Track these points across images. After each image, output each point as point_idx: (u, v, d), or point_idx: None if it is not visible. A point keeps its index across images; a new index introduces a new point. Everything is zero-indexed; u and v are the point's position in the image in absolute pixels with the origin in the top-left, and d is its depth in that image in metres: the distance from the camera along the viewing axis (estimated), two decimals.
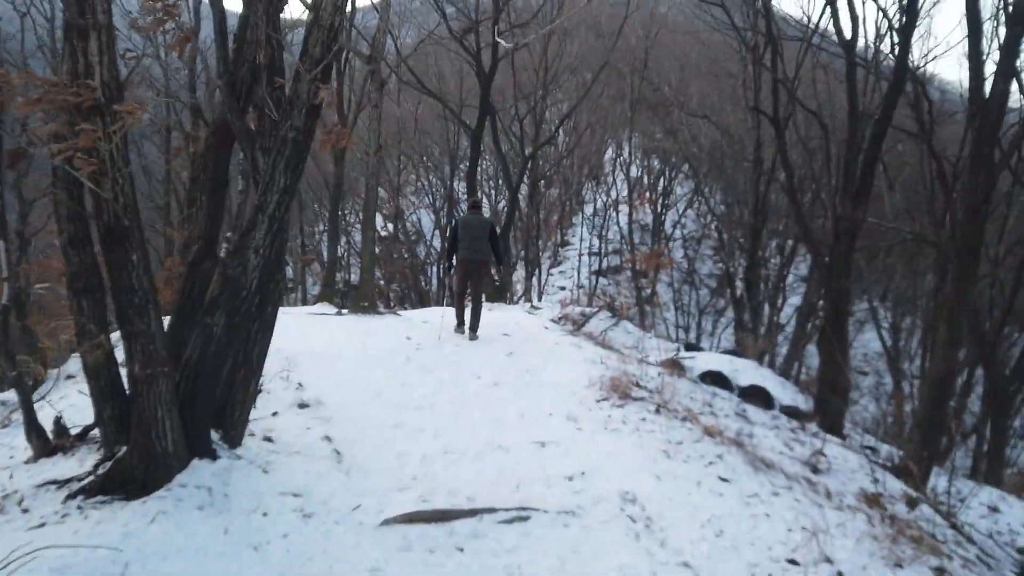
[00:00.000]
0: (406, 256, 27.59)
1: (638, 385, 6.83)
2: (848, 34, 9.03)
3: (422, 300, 25.27)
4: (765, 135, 14.51)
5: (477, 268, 8.16)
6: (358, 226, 31.65)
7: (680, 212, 31.46)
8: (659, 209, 28.09)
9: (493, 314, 13.24)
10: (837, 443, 7.68)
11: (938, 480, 6.99)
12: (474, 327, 8.24)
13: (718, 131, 19.42)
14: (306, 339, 7.32)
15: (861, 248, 10.73)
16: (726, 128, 17.28)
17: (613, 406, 6.06)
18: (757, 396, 9.16)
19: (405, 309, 11.14)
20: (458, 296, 8.49)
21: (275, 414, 4.87)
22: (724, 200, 21.36)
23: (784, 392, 9.85)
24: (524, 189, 23.22)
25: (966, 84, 7.66)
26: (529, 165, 19.33)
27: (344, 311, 9.94)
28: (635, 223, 35.15)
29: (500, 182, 28.56)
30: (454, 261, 8.31)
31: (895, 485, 5.51)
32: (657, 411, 6.02)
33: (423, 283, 26.86)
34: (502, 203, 28.60)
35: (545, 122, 20.94)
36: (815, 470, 5.69)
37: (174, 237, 14.46)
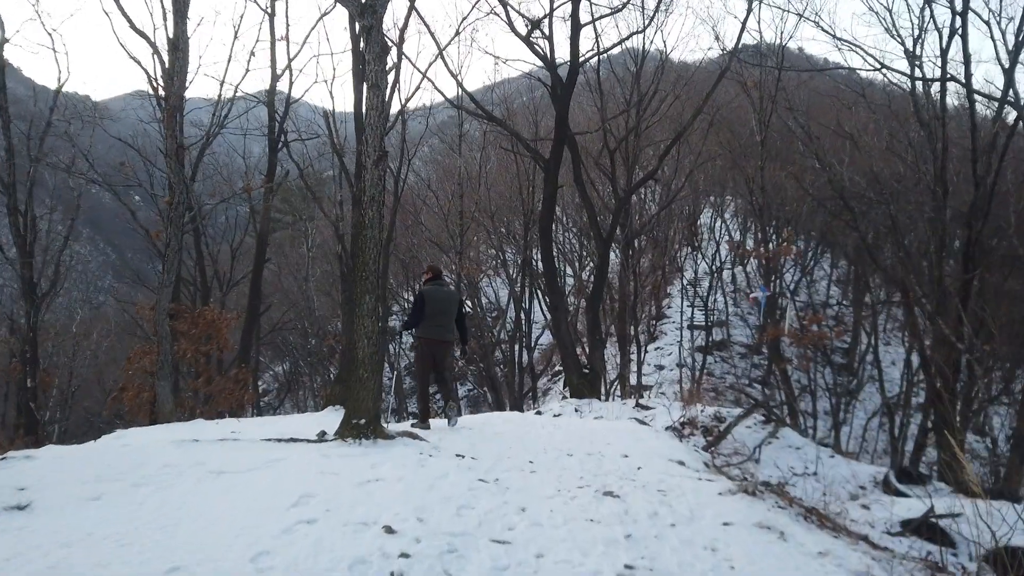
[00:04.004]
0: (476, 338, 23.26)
1: None
2: None
3: (498, 400, 20.68)
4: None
5: (445, 349, 7.33)
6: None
7: (800, 272, 26.38)
8: (776, 275, 23.02)
9: (580, 424, 8.58)
10: None
11: None
12: (451, 405, 7.33)
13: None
14: (153, 532, 3.40)
15: None
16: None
17: None
18: None
19: (451, 418, 7.44)
20: (424, 383, 7.41)
21: None
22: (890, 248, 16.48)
23: None
24: (614, 250, 19.10)
25: None
26: (623, 212, 15.22)
27: (328, 437, 6.08)
28: (738, 292, 30.19)
29: (586, 242, 24.56)
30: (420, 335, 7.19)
31: None
32: None
33: (498, 375, 21.96)
34: (588, 273, 24.50)
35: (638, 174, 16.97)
36: None
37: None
